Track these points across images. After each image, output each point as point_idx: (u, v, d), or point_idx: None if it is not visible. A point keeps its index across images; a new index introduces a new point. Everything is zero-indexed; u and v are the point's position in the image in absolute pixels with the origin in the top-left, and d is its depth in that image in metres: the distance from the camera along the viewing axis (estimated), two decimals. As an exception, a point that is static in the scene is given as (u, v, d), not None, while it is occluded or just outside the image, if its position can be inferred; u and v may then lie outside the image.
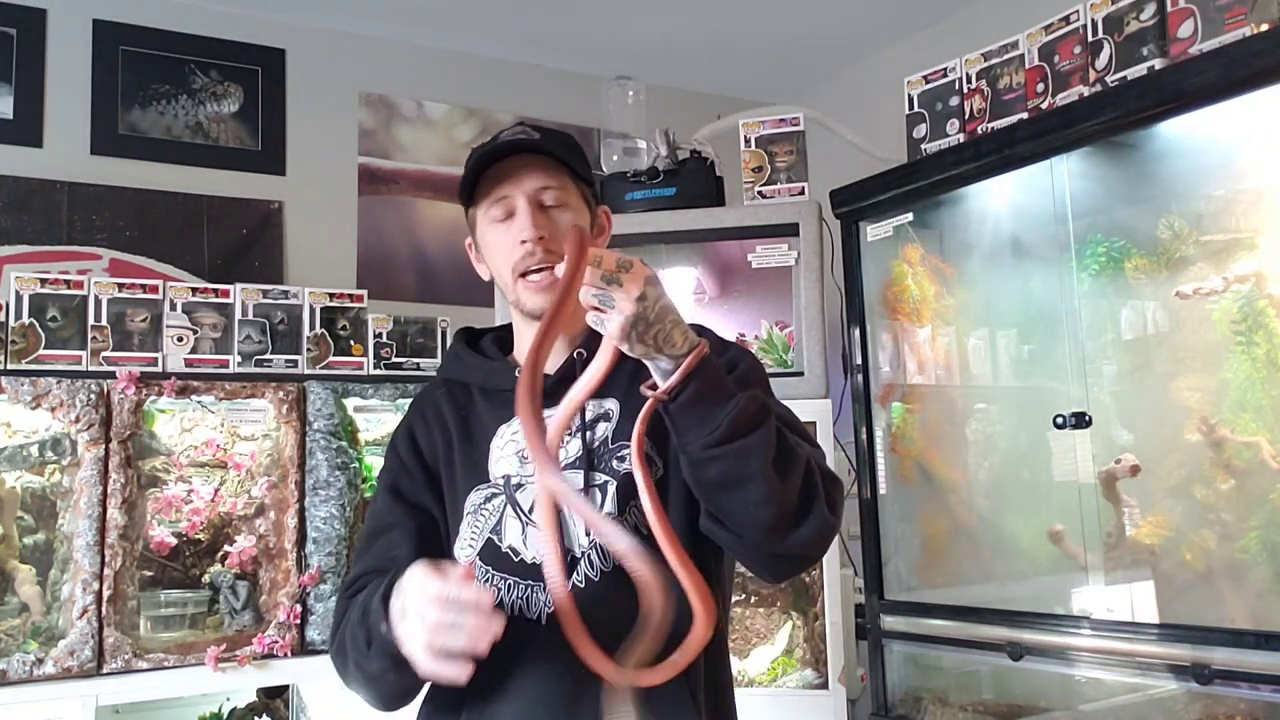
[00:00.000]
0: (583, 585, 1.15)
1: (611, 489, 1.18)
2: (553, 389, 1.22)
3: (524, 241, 1.18)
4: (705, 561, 1.18)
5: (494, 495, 1.20)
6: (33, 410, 2.02)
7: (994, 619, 2.02)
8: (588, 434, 1.20)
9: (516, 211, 1.20)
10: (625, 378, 1.22)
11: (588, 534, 1.17)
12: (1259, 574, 1.74)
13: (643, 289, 1.00)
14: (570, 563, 1.16)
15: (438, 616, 0.96)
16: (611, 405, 1.22)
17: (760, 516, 1.05)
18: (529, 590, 1.17)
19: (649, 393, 1.05)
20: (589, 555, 1.16)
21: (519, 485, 1.19)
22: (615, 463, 1.19)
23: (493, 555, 1.19)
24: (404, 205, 3.29)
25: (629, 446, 1.18)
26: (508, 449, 1.21)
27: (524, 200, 1.20)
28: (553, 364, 1.23)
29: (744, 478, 1.03)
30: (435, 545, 1.21)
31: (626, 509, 1.17)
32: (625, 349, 1.03)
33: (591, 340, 1.23)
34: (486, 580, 1.18)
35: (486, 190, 1.22)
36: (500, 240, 1.21)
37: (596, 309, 1.01)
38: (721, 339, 1.25)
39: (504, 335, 1.33)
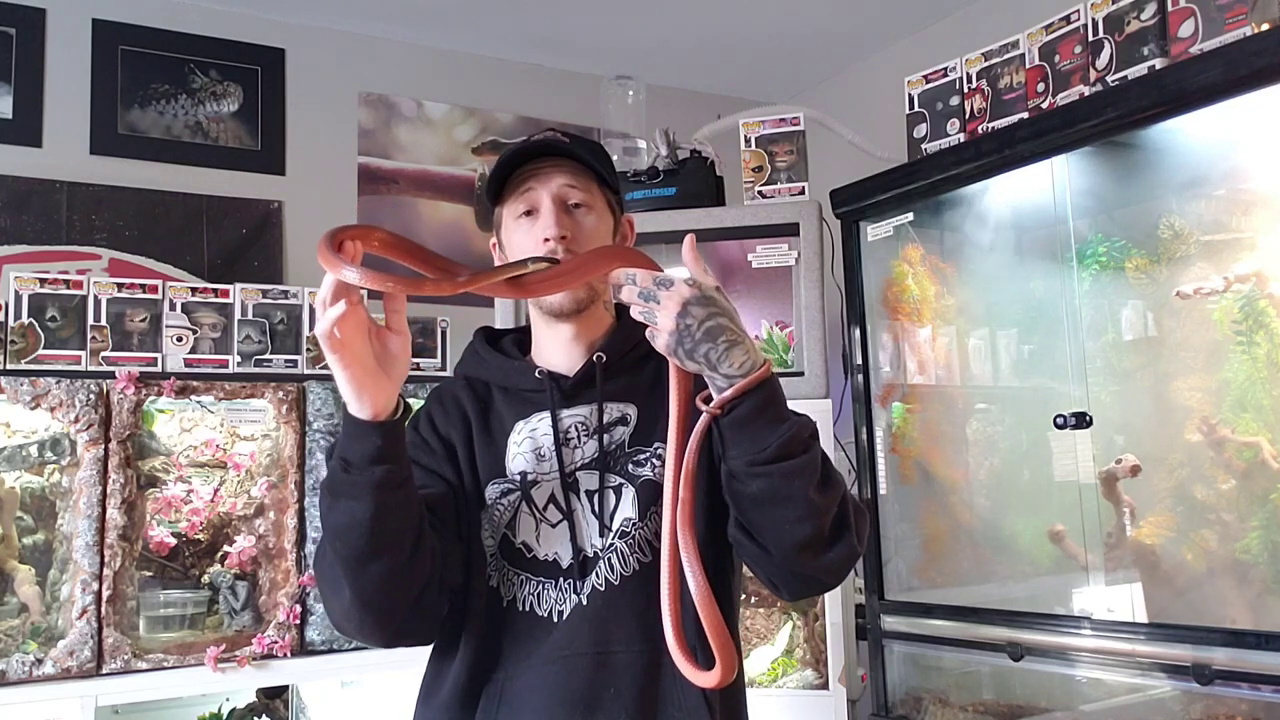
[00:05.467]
0: (602, 588, 1.16)
1: (629, 493, 1.18)
2: (573, 390, 1.23)
3: (546, 240, 1.19)
4: (723, 567, 1.19)
5: (510, 491, 1.21)
6: (32, 410, 2.02)
7: (994, 619, 2.02)
8: (605, 437, 1.21)
9: (541, 209, 1.21)
10: (646, 384, 1.23)
11: (601, 535, 1.17)
12: (1260, 574, 1.74)
13: (681, 308, 1.02)
14: (583, 563, 1.17)
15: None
16: (630, 410, 1.23)
17: (795, 535, 1.06)
18: (540, 587, 1.17)
19: (703, 406, 1.06)
20: (608, 559, 1.17)
21: (534, 482, 1.20)
22: (632, 467, 1.20)
23: (508, 551, 1.19)
24: (404, 205, 3.29)
25: (646, 451, 1.20)
26: (525, 446, 1.22)
27: (549, 199, 1.21)
28: (572, 367, 1.25)
29: (785, 497, 1.04)
30: (451, 507, 1.20)
31: (648, 514, 1.18)
32: (678, 364, 1.05)
33: (611, 344, 1.24)
34: (502, 574, 1.19)
35: (514, 189, 1.23)
36: (524, 238, 1.22)
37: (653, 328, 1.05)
38: None
39: (523, 336, 1.34)
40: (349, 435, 1.04)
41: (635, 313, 1.05)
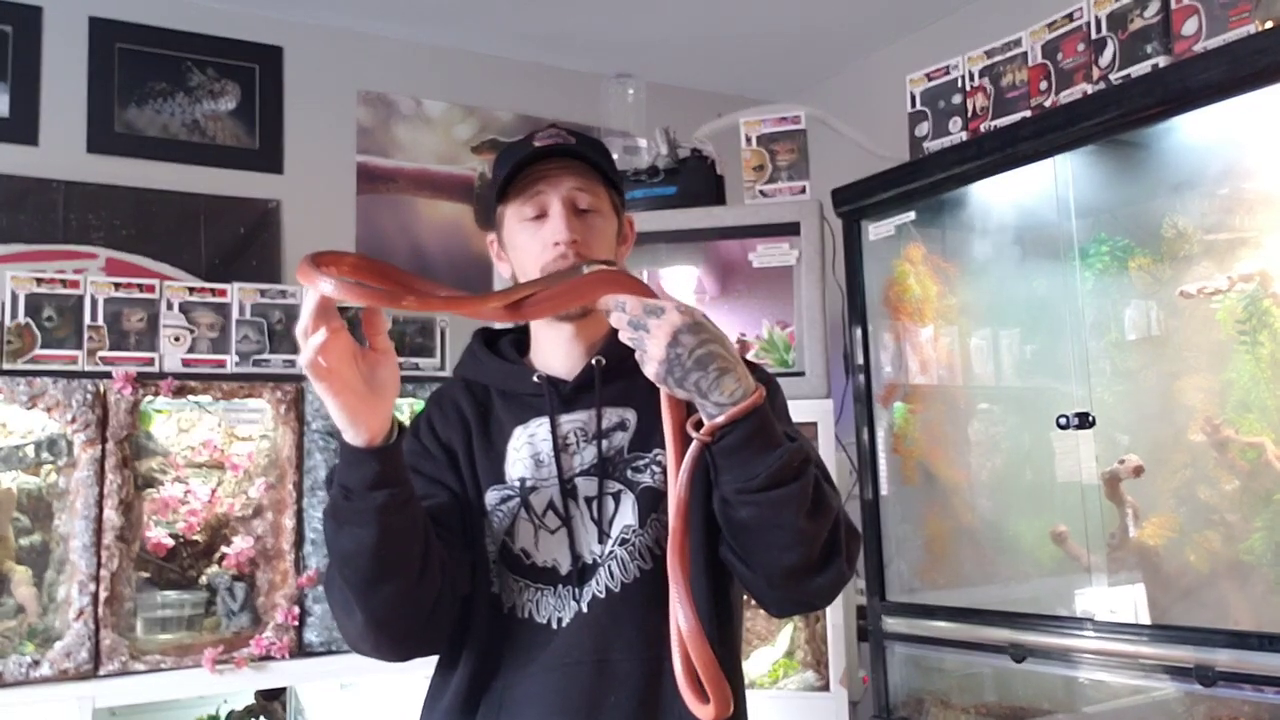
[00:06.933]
0: (602, 596, 1.15)
1: (629, 500, 1.18)
2: (571, 395, 1.22)
3: (557, 243, 1.18)
4: (724, 580, 1.18)
5: (509, 497, 1.20)
6: (29, 410, 2.01)
7: (997, 620, 2.01)
8: (603, 442, 1.20)
9: (550, 213, 1.19)
10: (645, 388, 1.22)
11: (600, 542, 1.16)
12: (1263, 575, 1.73)
13: (671, 337, 1.00)
14: (582, 570, 1.16)
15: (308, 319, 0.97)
16: (629, 415, 1.22)
17: (782, 561, 1.05)
18: (539, 594, 1.16)
19: (693, 433, 1.04)
20: (608, 566, 1.16)
21: (533, 488, 1.19)
22: (631, 473, 1.19)
23: (507, 557, 1.18)
24: (402, 204, 3.27)
25: (645, 457, 1.19)
26: (524, 451, 1.21)
27: (559, 202, 1.19)
28: (571, 369, 1.24)
29: (773, 525, 1.03)
30: (455, 515, 1.19)
31: (647, 521, 1.17)
32: (667, 392, 1.04)
33: (610, 347, 1.23)
34: (502, 581, 1.18)
35: (520, 188, 1.21)
36: (530, 240, 1.21)
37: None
38: (749, 362, 1.25)
39: (522, 337, 1.32)
40: (347, 463, 1.02)
41: (625, 338, 1.04)
